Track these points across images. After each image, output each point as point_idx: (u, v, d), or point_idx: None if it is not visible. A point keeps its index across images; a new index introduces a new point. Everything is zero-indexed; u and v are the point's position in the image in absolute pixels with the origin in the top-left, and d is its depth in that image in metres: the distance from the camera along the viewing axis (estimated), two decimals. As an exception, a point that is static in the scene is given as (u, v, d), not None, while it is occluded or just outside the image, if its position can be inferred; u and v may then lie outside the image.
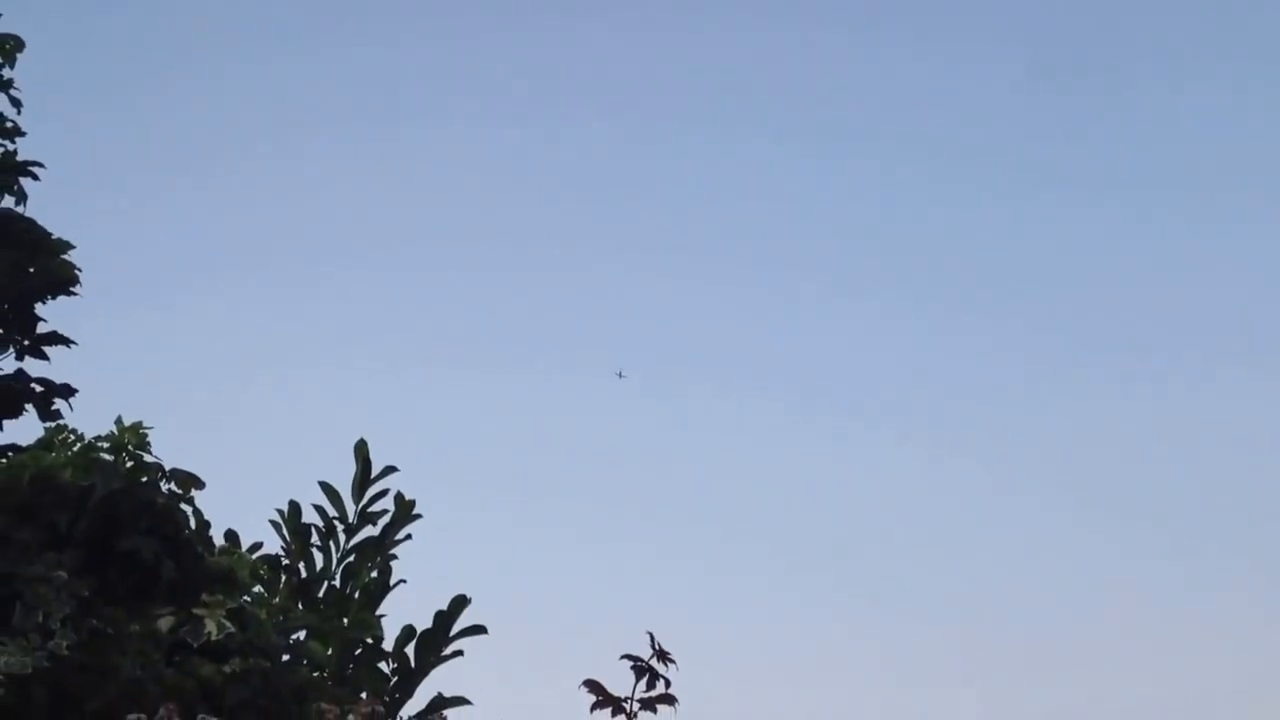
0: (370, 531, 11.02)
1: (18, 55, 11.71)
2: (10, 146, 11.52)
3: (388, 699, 10.21)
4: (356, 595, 10.72)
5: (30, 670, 8.29)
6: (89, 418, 10.94)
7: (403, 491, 11.18)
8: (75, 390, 11.24)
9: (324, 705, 6.88)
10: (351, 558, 10.88)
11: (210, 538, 10.48)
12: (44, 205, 11.62)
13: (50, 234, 11.13)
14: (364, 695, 9.54)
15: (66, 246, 11.12)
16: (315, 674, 9.99)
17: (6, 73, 11.63)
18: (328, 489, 11.04)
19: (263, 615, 9.86)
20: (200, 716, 6.93)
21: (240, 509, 11.95)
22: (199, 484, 10.49)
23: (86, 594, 8.96)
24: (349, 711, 6.75)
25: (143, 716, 6.71)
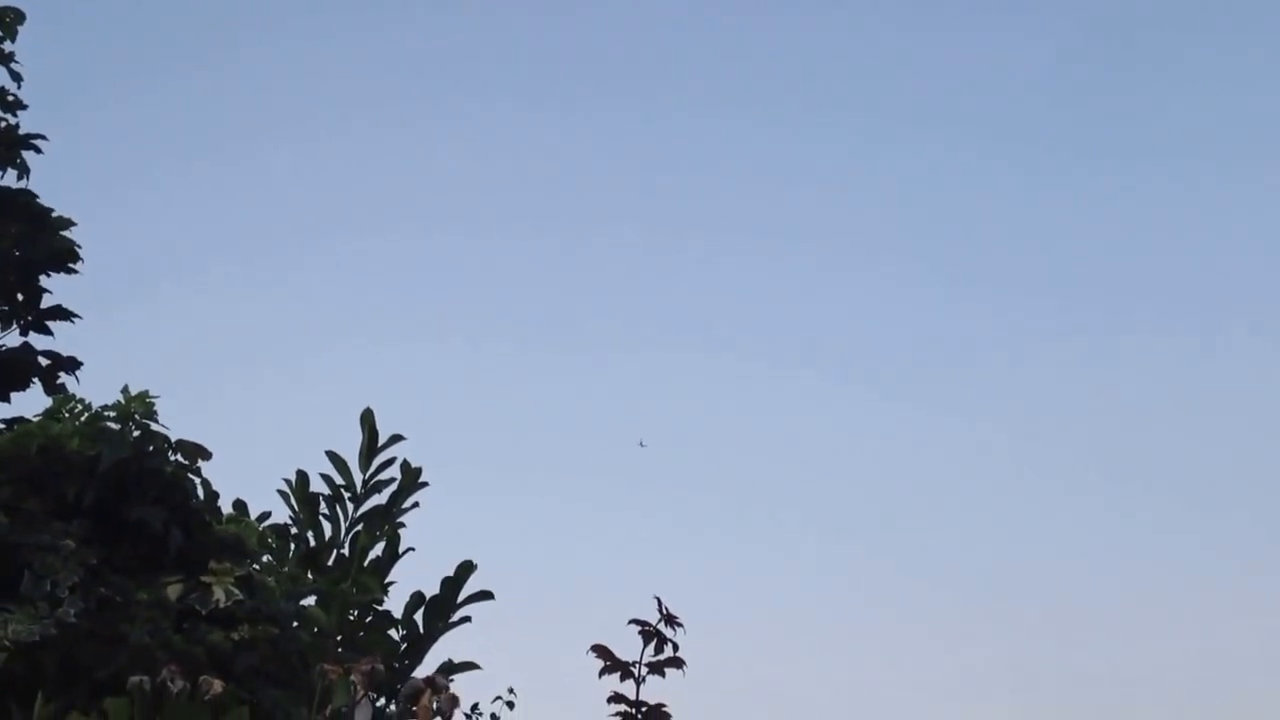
0: (378, 500, 11.02)
1: (18, 29, 11.68)
2: (12, 120, 11.51)
3: (398, 664, 10.22)
4: (365, 563, 10.72)
5: (38, 638, 8.31)
6: (97, 393, 10.95)
7: (409, 460, 11.18)
8: (80, 363, 11.30)
9: (326, 666, 6.89)
10: (360, 526, 10.88)
11: (219, 507, 10.51)
12: (49, 182, 11.62)
13: (51, 210, 11.13)
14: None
15: (67, 223, 11.12)
16: (325, 640, 10.01)
17: (7, 46, 11.60)
18: (335, 458, 11.03)
19: (271, 583, 9.87)
20: (202, 678, 6.94)
21: (249, 479, 11.96)
22: (206, 455, 10.50)
23: (94, 562, 8.99)
24: (350, 671, 6.76)
25: (146, 678, 6.72)
